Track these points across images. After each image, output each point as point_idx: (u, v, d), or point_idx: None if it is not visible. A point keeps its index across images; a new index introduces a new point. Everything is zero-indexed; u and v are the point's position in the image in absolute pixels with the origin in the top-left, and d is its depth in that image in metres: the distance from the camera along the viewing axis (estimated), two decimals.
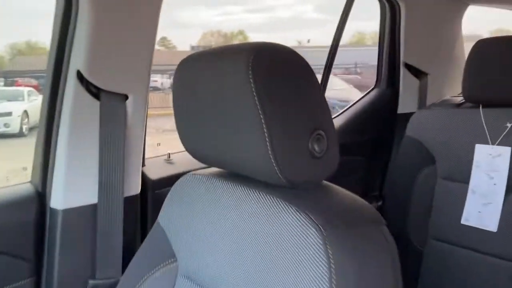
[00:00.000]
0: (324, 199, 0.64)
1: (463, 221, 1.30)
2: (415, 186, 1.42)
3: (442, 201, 1.36)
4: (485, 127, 1.28)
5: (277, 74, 0.61)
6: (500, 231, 1.22)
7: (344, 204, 0.63)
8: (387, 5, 1.46)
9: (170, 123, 0.81)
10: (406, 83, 1.55)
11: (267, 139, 0.59)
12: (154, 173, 1.15)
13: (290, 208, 0.61)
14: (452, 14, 1.55)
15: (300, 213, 0.59)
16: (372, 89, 1.60)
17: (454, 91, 1.69)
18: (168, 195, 0.85)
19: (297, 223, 0.59)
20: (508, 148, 1.23)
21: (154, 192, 1.13)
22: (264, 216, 0.63)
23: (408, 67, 1.53)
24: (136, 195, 1.06)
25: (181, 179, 0.83)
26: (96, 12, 0.91)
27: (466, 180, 1.31)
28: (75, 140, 0.97)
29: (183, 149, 0.78)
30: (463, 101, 1.38)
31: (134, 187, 1.05)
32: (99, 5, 0.92)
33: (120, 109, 0.99)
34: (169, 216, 0.81)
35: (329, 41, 1.47)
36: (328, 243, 0.56)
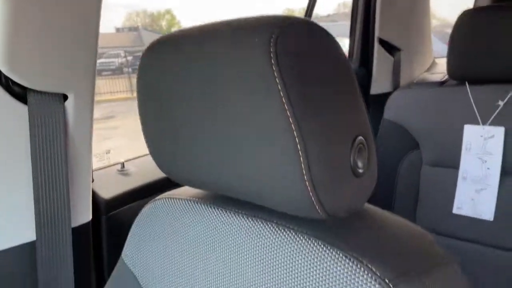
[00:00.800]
0: (373, 233, 0.47)
1: (455, 210, 1.20)
2: (399, 175, 1.30)
3: (430, 189, 1.25)
4: (474, 106, 1.17)
5: (310, 61, 0.41)
6: (496, 220, 1.13)
7: (401, 239, 0.47)
8: None
9: None
10: (380, 60, 1.41)
11: (300, 153, 0.40)
12: (106, 190, 0.92)
13: (333, 251, 0.43)
14: None
15: (350, 259, 0.42)
16: None
17: (424, 67, 1.59)
18: (134, 226, 0.64)
19: (350, 275, 0.41)
20: (502, 129, 1.13)
21: (108, 215, 0.90)
22: (291, 263, 0.45)
23: (382, 43, 1.39)
24: (86, 224, 0.82)
25: (150, 204, 0.63)
26: None
27: (455, 165, 1.20)
28: None
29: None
30: (446, 78, 1.27)
31: (83, 214, 0.82)
32: None
33: (57, 114, 0.74)
34: (137, 254, 0.61)
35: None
36: None
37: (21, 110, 0.71)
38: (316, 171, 0.41)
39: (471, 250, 1.16)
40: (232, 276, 0.50)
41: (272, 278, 0.46)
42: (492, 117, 1.14)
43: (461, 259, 1.18)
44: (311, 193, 0.41)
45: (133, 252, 0.62)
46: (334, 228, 0.46)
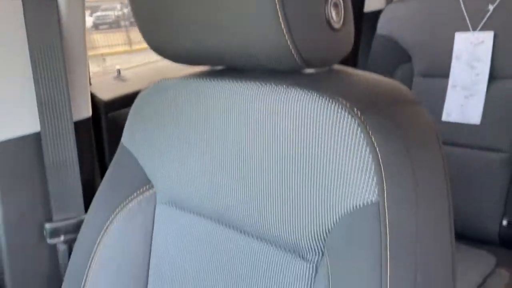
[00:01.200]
0: (346, 80, 0.51)
1: (444, 118, 1.24)
2: None
3: (421, 100, 1.28)
4: (464, 12, 1.18)
5: None
6: (483, 123, 1.17)
7: (372, 84, 0.51)
8: None
9: None
10: None
11: (277, 5, 0.43)
12: (105, 93, 0.95)
13: (308, 93, 0.47)
14: None
15: (323, 97, 0.46)
16: None
17: None
18: (131, 110, 0.68)
19: (322, 110, 0.46)
20: (491, 33, 1.14)
21: (107, 115, 0.94)
22: (277, 111, 0.49)
23: None
24: (87, 118, 0.87)
25: (147, 88, 0.66)
26: None
27: (445, 74, 1.23)
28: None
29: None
30: None
31: (84, 109, 0.86)
32: None
33: (51, 11, 0.77)
34: (137, 135, 0.65)
35: None
36: (368, 125, 0.43)
37: (16, 5, 0.74)
38: (292, 20, 0.44)
39: (459, 154, 1.21)
40: (224, 137, 0.54)
41: (260, 126, 0.50)
42: (482, 22, 1.16)
43: (450, 163, 1.24)
44: (288, 42, 0.45)
45: (131, 134, 0.66)
46: (311, 79, 0.50)
